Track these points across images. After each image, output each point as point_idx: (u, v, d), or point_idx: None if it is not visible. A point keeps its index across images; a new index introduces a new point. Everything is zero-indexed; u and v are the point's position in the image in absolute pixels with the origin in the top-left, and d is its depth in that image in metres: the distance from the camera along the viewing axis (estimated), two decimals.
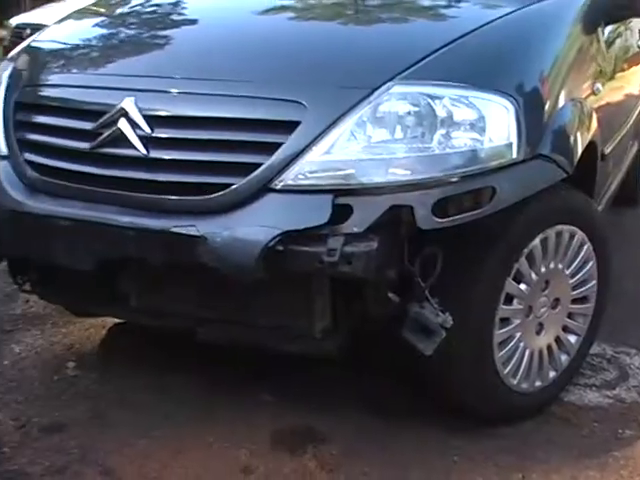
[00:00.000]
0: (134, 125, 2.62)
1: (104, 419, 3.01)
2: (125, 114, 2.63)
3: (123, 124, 2.63)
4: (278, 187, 2.47)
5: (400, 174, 2.45)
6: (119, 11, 3.65)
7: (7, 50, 9.59)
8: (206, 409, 3.05)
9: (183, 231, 2.48)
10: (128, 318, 3.17)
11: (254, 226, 2.43)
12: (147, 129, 2.60)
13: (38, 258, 2.90)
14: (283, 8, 3.37)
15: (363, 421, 3.00)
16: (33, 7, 9.50)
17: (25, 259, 3.02)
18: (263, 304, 2.72)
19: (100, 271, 2.72)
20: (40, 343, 3.59)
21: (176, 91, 2.67)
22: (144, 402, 3.11)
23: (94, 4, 3.94)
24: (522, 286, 2.81)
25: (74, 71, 3.05)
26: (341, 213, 2.40)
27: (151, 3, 3.68)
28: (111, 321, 3.67)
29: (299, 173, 2.46)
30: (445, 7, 3.27)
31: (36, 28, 8.65)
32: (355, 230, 2.39)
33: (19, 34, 9.16)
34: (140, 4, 3.68)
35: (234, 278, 2.48)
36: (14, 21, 9.85)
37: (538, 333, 2.96)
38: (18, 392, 3.20)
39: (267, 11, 3.31)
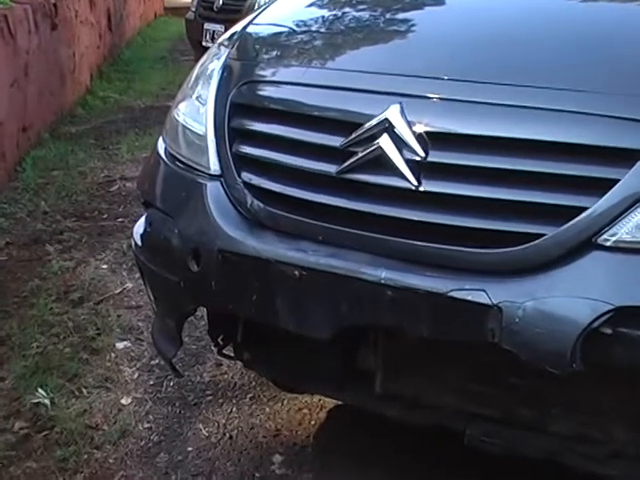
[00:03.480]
0: (401, 144, 2.49)
1: None
2: (389, 128, 2.51)
3: (385, 142, 2.50)
4: (608, 243, 2.29)
5: None
6: None
7: (191, 25, 9.88)
8: None
9: (468, 297, 2.34)
10: (368, 406, 3.04)
11: (572, 297, 2.26)
12: (420, 151, 2.47)
13: (252, 316, 2.82)
14: None
15: None
16: None
17: (233, 315, 2.96)
18: (566, 404, 2.58)
19: (337, 341, 2.62)
20: (236, 424, 3.56)
21: (464, 99, 2.52)
22: None
23: None
24: None
25: (311, 65, 2.96)
26: None
27: None
28: (331, 401, 3.59)
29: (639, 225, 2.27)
30: None
31: None
32: None
33: (209, 5, 9.38)
34: None
35: (534, 367, 2.32)
36: None
37: None
38: None
39: None
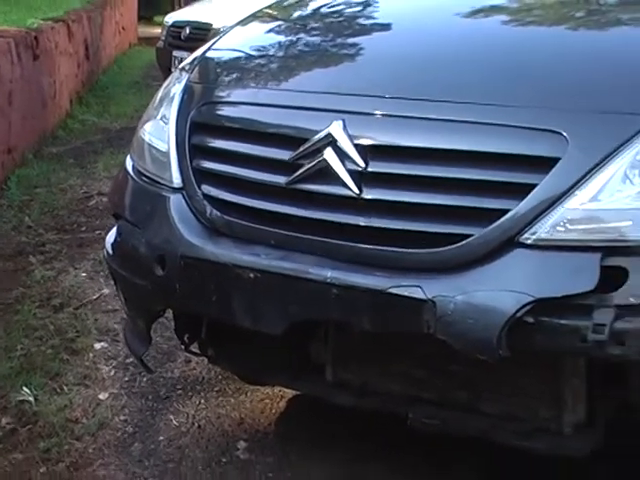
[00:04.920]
0: (344, 156, 2.50)
1: None
2: (332, 142, 2.52)
3: (330, 155, 2.52)
4: (529, 241, 2.30)
5: None
6: (306, 14, 3.58)
7: (161, 53, 9.88)
8: None
9: (405, 293, 2.35)
10: (320, 394, 3.04)
11: (497, 290, 2.28)
12: (360, 162, 2.48)
13: (214, 315, 2.83)
14: (495, 9, 3.21)
15: None
16: (189, 2, 9.71)
17: (197, 315, 2.97)
18: (495, 387, 2.61)
19: (290, 336, 2.63)
20: (204, 415, 3.55)
21: (399, 114, 2.55)
22: None
23: (275, 6, 3.90)
24: None
25: (264, 86, 2.97)
26: (612, 278, 2.22)
27: (340, 4, 3.60)
28: (290, 391, 3.59)
29: (556, 224, 2.29)
30: None
31: (197, 27, 8.95)
32: (631, 301, 2.21)
33: (177, 34, 9.39)
34: (327, 5, 3.59)
35: (466, 354, 2.34)
36: (170, 18, 10.14)
37: None
38: (176, 476, 3.17)
39: (475, 12, 3.16)
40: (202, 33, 9.29)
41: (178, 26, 9.63)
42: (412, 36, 3.10)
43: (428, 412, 2.71)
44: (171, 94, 3.14)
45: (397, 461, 3.16)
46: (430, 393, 2.71)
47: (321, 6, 3.59)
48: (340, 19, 3.45)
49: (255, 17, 3.65)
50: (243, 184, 2.73)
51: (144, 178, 3.04)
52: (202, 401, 3.65)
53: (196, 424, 3.48)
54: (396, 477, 3.09)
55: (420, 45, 2.97)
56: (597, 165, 2.30)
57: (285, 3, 3.92)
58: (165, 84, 3.28)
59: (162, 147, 2.99)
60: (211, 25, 8.47)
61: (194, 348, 3.18)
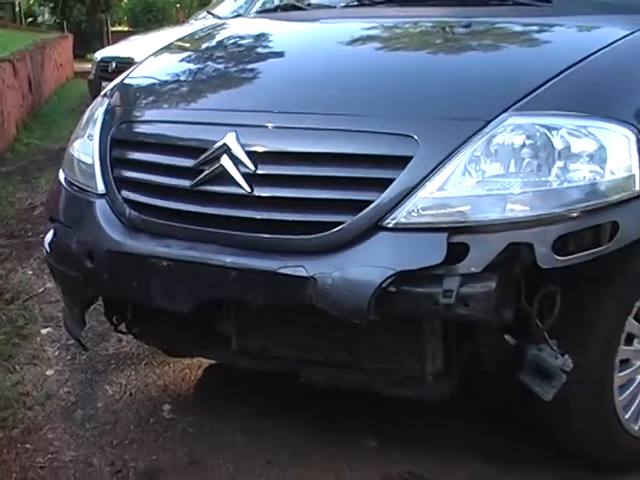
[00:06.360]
0: (237, 162, 2.54)
1: (202, 464, 2.95)
2: (227, 150, 2.55)
3: (226, 161, 2.55)
4: (390, 225, 2.36)
5: (518, 210, 2.33)
6: (209, 45, 3.60)
7: (92, 84, 9.77)
8: (308, 454, 2.96)
9: (291, 272, 2.39)
10: (228, 361, 3.08)
11: (366, 266, 2.33)
12: (250, 166, 2.52)
13: (136, 299, 2.84)
14: (369, 38, 3.26)
15: (474, 468, 2.87)
16: (116, 40, 9.61)
17: (122, 299, 2.97)
18: (370, 346, 2.64)
19: (199, 313, 2.65)
20: (134, 384, 3.54)
21: (280, 126, 2.59)
22: (243, 446, 3.04)
23: (184, 39, 3.91)
24: None
25: (171, 107, 2.99)
26: (457, 252, 2.29)
27: (238, 37, 3.63)
28: (207, 361, 3.60)
29: (412, 210, 2.35)
30: (543, 32, 3.11)
31: (122, 62, 8.84)
32: (472, 270, 2.27)
33: (105, 67, 9.27)
34: (227, 38, 3.64)
35: (344, 320, 2.38)
36: (99, 55, 10.00)
37: None
38: (113, 435, 3.16)
39: (354, 42, 3.22)
40: (126, 66, 9.05)
41: (106, 61, 9.50)
42: (298, 62, 3.15)
43: (316, 371, 2.74)
44: (95, 116, 3.14)
45: (294, 414, 3.19)
46: (317, 355, 2.73)
47: (224, 39, 3.62)
48: (239, 49, 3.48)
49: (166, 49, 3.66)
50: (156, 188, 2.75)
51: (74, 187, 3.03)
52: (132, 373, 3.63)
53: (128, 392, 3.47)
54: (295, 427, 3.12)
55: (304, 69, 3.02)
56: (443, 161, 2.37)
57: (194, 37, 3.92)
58: (90, 108, 3.27)
59: (88, 160, 2.99)
60: (133, 59, 8.37)
61: (122, 328, 3.18)
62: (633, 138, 2.45)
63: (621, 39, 2.79)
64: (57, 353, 3.86)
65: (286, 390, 3.17)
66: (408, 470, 2.85)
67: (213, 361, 3.54)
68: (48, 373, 3.67)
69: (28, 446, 3.09)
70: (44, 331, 4.11)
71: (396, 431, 3.08)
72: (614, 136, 2.44)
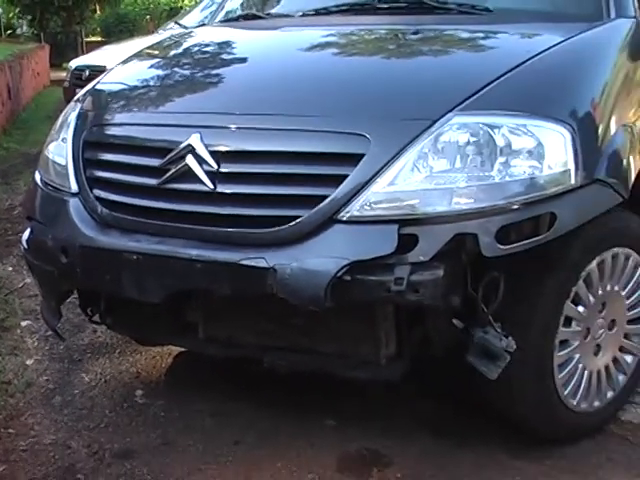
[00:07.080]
0: (201, 161, 2.53)
1: (173, 445, 2.94)
2: (192, 150, 2.55)
3: (190, 160, 2.55)
4: (344, 218, 2.37)
5: (463, 203, 2.35)
6: (175, 52, 3.57)
7: (67, 91, 9.68)
8: (272, 434, 2.97)
9: (252, 263, 2.39)
10: (196, 348, 3.07)
11: (322, 257, 2.33)
12: (214, 164, 2.52)
13: (108, 291, 2.83)
14: (326, 44, 3.26)
15: (426, 444, 2.89)
16: (90, 50, 9.53)
17: (95, 292, 2.96)
18: (328, 332, 2.63)
19: (168, 303, 2.64)
20: (109, 372, 3.52)
21: (241, 127, 2.58)
22: (211, 428, 3.03)
23: (152, 47, 3.88)
24: (580, 308, 2.71)
25: (140, 110, 2.97)
26: (407, 242, 2.30)
27: (203, 44, 3.61)
28: (176, 349, 3.59)
29: (364, 204, 2.36)
30: (486, 39, 3.12)
31: (94, 69, 8.76)
32: (421, 259, 2.29)
33: (79, 75, 9.20)
34: (193, 45, 3.62)
35: (302, 308, 2.38)
36: (73, 63, 9.91)
37: (596, 354, 2.85)
38: (89, 420, 3.14)
39: (312, 48, 3.21)
40: (99, 74, 9.01)
41: (80, 69, 9.42)
42: (259, 67, 3.13)
43: (279, 356, 2.75)
44: (68, 120, 3.12)
45: (259, 397, 3.19)
46: (279, 341, 2.73)
47: (189, 46, 3.60)
48: (204, 56, 3.46)
49: (135, 56, 3.64)
50: (125, 187, 2.73)
51: (49, 187, 3.01)
52: (107, 361, 3.61)
53: (103, 379, 3.45)
54: (260, 409, 3.12)
55: (264, 74, 3.00)
56: (393, 158, 2.38)
57: (161, 44, 3.90)
58: (63, 112, 3.24)
59: (62, 162, 2.97)
60: (105, 67, 8.30)
61: (97, 319, 3.15)
62: (569, 136, 2.49)
63: (557, 44, 2.82)
64: (36, 344, 3.83)
65: (251, 375, 3.18)
66: (365, 446, 2.87)
67: (182, 349, 3.53)
68: (28, 362, 3.64)
69: (11, 431, 3.06)
70: (24, 323, 4.07)
71: (353, 411, 3.09)
72: (551, 134, 2.47)
